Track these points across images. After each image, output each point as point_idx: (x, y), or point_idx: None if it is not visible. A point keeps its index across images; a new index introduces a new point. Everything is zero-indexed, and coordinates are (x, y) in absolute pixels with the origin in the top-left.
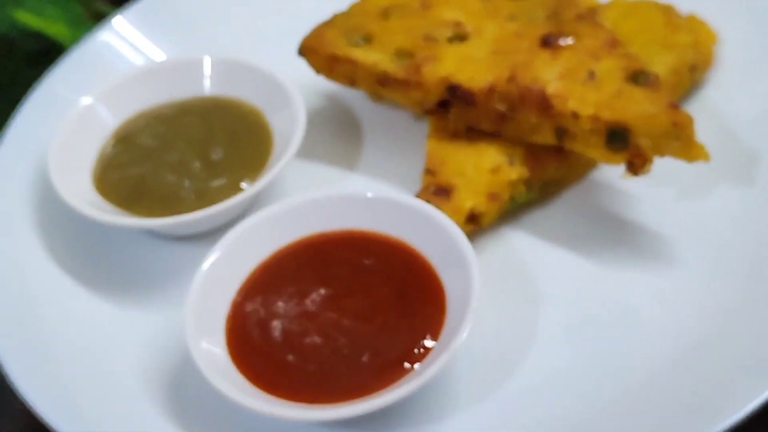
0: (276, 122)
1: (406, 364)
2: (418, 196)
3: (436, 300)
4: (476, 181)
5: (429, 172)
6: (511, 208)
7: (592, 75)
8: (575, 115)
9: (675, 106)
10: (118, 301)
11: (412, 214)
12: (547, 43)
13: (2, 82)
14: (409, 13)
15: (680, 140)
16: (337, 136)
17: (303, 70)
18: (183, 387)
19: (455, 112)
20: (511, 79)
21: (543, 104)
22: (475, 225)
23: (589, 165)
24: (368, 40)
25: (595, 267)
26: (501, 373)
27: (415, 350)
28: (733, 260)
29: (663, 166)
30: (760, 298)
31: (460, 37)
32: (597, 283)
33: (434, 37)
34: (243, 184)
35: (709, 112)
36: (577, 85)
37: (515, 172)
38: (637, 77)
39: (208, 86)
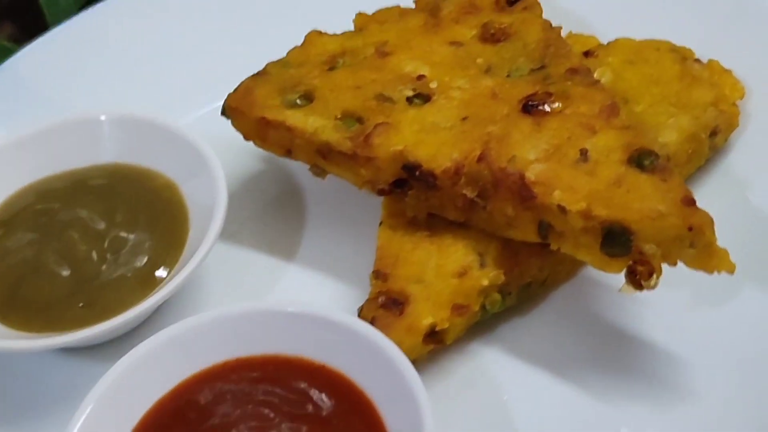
0: (192, 195)
1: None
2: (363, 309)
3: None
4: (438, 290)
5: (379, 275)
6: (484, 320)
7: (584, 155)
8: (562, 210)
9: (690, 201)
10: None
11: (349, 337)
12: (530, 108)
13: None
14: (361, 62)
15: (696, 248)
16: (272, 211)
17: (229, 132)
18: None
19: (413, 196)
20: (483, 157)
21: (522, 193)
22: (436, 343)
23: (579, 263)
24: (309, 98)
25: (588, 396)
26: None
27: None
28: (760, 388)
29: None
30: None
31: (422, 97)
32: (589, 416)
33: (390, 97)
34: (160, 272)
35: (732, 184)
36: (565, 168)
37: (487, 276)
38: (642, 159)
39: (107, 151)
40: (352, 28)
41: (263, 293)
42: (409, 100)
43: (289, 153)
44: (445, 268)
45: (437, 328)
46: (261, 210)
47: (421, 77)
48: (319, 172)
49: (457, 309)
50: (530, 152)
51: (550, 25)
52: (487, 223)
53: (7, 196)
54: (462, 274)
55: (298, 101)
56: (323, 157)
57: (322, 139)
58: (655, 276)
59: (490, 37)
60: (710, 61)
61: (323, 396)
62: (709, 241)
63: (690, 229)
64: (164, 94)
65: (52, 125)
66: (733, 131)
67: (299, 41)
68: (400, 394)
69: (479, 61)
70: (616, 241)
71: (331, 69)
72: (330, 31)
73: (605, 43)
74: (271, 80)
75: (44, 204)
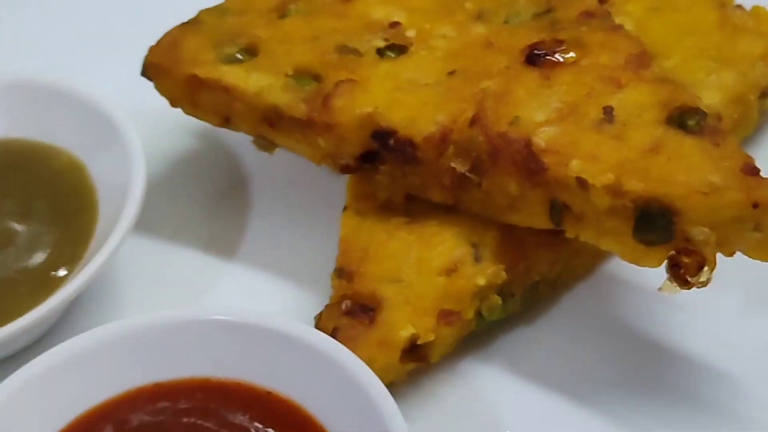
0: (103, 179)
1: None
2: (322, 317)
3: None
4: (420, 292)
5: (342, 274)
6: (479, 330)
7: (609, 114)
8: (583, 184)
9: (753, 170)
10: None
11: (303, 355)
12: (536, 58)
13: None
14: (318, 8)
15: (762, 231)
16: (205, 203)
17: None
18: None
19: (387, 172)
20: (477, 119)
21: (529, 164)
22: (418, 361)
23: (603, 253)
24: (252, 52)
25: (612, 427)
26: None
27: None
28: None
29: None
30: None
31: (396, 48)
32: None
33: (355, 49)
34: (60, 272)
35: None
36: (585, 131)
37: (484, 273)
38: (686, 118)
39: None
40: None
41: (194, 299)
42: (379, 52)
43: (227, 122)
44: (430, 264)
45: (419, 342)
46: (193, 196)
47: (394, 24)
48: (265, 145)
49: (445, 316)
50: (538, 112)
51: None
52: (482, 206)
53: None
54: (451, 271)
55: (239, 55)
56: (270, 125)
57: (269, 101)
58: (706, 269)
59: None
60: (755, 7)
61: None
62: None
63: (755, 206)
64: (68, 53)
65: None
66: None
67: None
68: (371, 429)
69: (468, 5)
70: (655, 225)
71: (281, 17)
72: None
73: None
74: (204, 30)
75: None
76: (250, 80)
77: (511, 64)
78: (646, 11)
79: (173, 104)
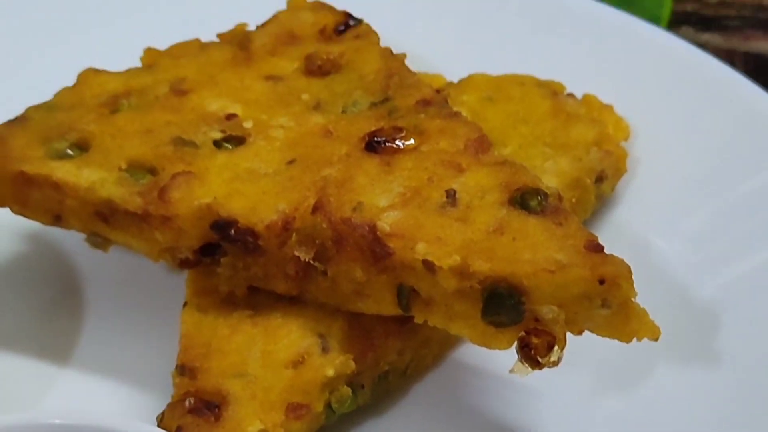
0: None
1: None
2: (164, 416)
3: None
4: (266, 385)
5: (184, 371)
6: (329, 423)
7: (452, 197)
8: (430, 267)
9: (596, 247)
10: None
11: None
12: (376, 145)
13: None
14: (151, 103)
15: (610, 307)
16: (40, 302)
17: None
18: None
19: (228, 265)
20: (320, 206)
21: (375, 249)
22: None
23: (455, 339)
24: (83, 147)
25: None
26: None
27: None
28: None
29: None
30: None
31: (233, 140)
32: None
33: (191, 141)
34: None
35: (624, 241)
36: (429, 215)
37: (332, 363)
38: (528, 199)
39: None
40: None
41: (27, 407)
42: (216, 144)
43: (57, 220)
44: (275, 356)
45: None
46: (22, 300)
47: (231, 116)
48: (99, 242)
49: (294, 410)
50: (381, 197)
51: (391, 52)
52: (328, 295)
53: None
54: (298, 363)
55: (69, 151)
56: (104, 220)
57: (102, 195)
58: (557, 348)
59: (317, 69)
60: (586, 95)
61: None
62: (625, 298)
63: (601, 281)
64: None
65: None
66: (621, 177)
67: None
68: None
69: (305, 96)
70: (503, 306)
71: (113, 112)
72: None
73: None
74: (31, 127)
75: None
76: (81, 175)
77: (351, 152)
78: (481, 101)
79: (0, 204)
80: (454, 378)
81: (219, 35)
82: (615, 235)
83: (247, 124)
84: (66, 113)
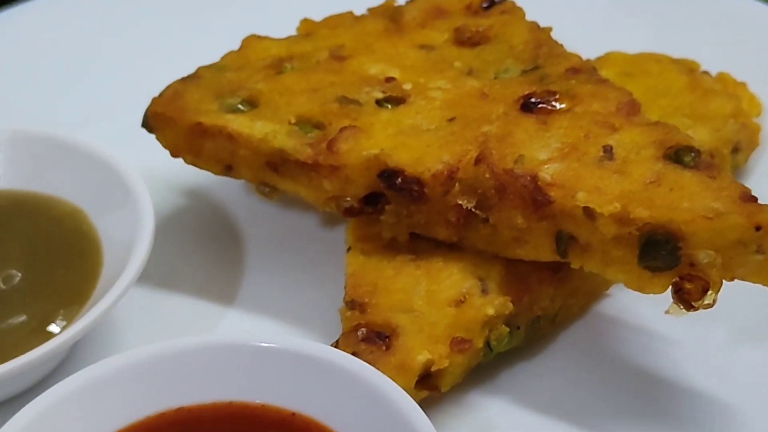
0: (107, 229)
1: None
2: (339, 344)
3: None
4: (432, 321)
5: (353, 305)
6: (485, 362)
7: (609, 152)
8: (590, 214)
9: (751, 197)
10: None
11: (328, 373)
12: (531, 106)
13: None
14: (313, 66)
15: (764, 253)
16: (204, 251)
17: (150, 152)
18: None
19: (392, 212)
20: (482, 158)
21: (536, 197)
22: (430, 390)
23: (598, 291)
24: (252, 103)
25: None
26: None
27: None
28: None
29: None
30: None
31: (394, 100)
32: None
33: (355, 100)
34: (52, 327)
35: None
36: (587, 167)
37: (492, 304)
38: (682, 155)
39: None
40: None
41: None
42: (378, 103)
43: (228, 170)
44: (439, 296)
45: (433, 368)
46: (189, 249)
47: (390, 79)
48: (266, 191)
49: (458, 344)
50: (540, 152)
51: (538, 25)
52: (488, 242)
53: None
54: (460, 302)
55: (241, 106)
56: (274, 170)
57: (275, 146)
58: (711, 292)
59: (467, 40)
60: (720, 73)
61: None
62: None
63: (758, 228)
64: (65, 108)
65: None
66: (755, 150)
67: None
68: None
69: (457, 64)
70: (660, 252)
71: (278, 74)
72: None
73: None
74: (204, 84)
75: None
76: (254, 127)
77: (508, 111)
78: (620, 76)
79: (174, 154)
80: (598, 328)
81: (369, 9)
82: None
83: (407, 86)
84: (235, 73)
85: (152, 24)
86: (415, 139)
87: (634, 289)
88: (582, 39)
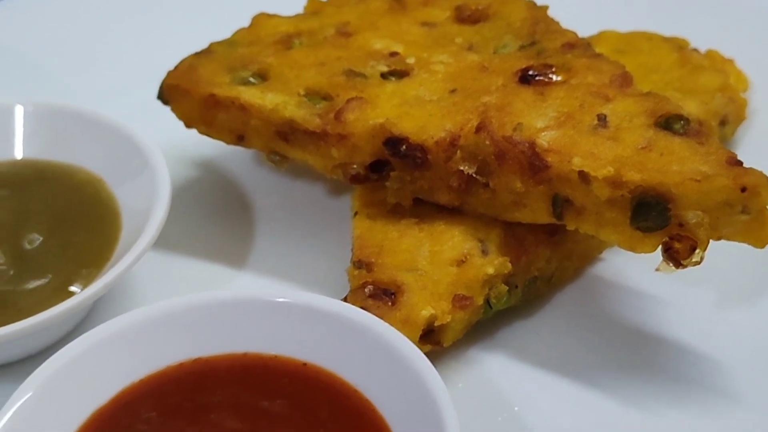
0: (125, 196)
1: None
2: (347, 300)
3: None
4: (435, 279)
5: (360, 265)
6: (485, 319)
7: (603, 120)
8: (585, 177)
9: (737, 161)
10: None
11: (337, 326)
12: (529, 78)
13: None
14: (320, 41)
15: (749, 213)
16: (216, 217)
17: (163, 124)
18: None
19: (397, 178)
20: (483, 126)
21: (534, 162)
22: (433, 345)
23: (591, 254)
24: (263, 76)
25: (609, 404)
26: None
27: None
28: None
29: None
30: None
31: (398, 73)
32: (612, 428)
33: (361, 73)
34: (74, 287)
35: None
36: (582, 134)
37: (492, 263)
38: (672, 123)
39: (22, 146)
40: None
41: None
42: (383, 76)
43: (240, 140)
44: (442, 256)
45: (436, 323)
46: (203, 215)
47: (394, 54)
48: (277, 160)
49: (459, 301)
50: (538, 120)
51: (535, 4)
52: (487, 205)
53: None
54: (462, 262)
55: (252, 79)
56: (284, 139)
57: (285, 116)
58: (698, 251)
59: (467, 18)
60: (709, 50)
61: (314, 407)
62: (764, 205)
63: (743, 189)
64: (87, 82)
65: None
66: (741, 123)
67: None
68: (418, 406)
69: (458, 40)
70: (651, 213)
71: (288, 49)
72: None
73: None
74: (217, 58)
75: None
76: (265, 98)
77: (507, 83)
78: (613, 53)
79: (188, 125)
80: (591, 289)
81: None
82: None
83: (410, 60)
84: (246, 48)
85: (167, 2)
86: (419, 109)
87: (627, 249)
88: (576, 18)
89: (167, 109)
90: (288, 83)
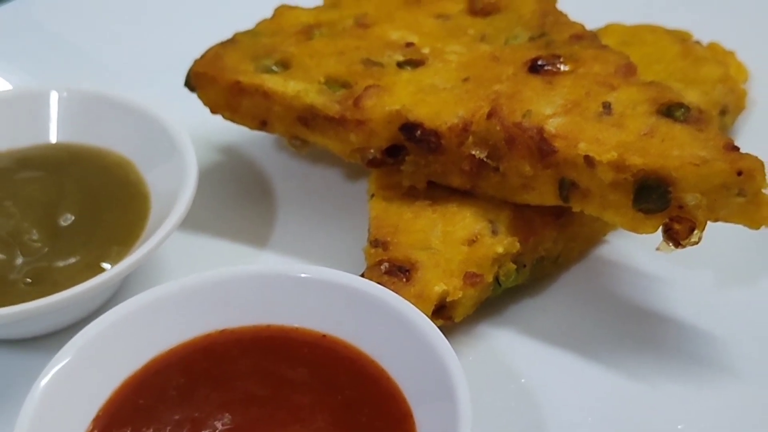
0: (154, 178)
1: None
2: (363, 277)
3: None
4: (448, 257)
5: (377, 244)
6: (494, 296)
7: (608, 108)
8: (590, 161)
9: (733, 147)
10: None
11: (355, 299)
12: (539, 68)
13: None
14: (340, 32)
15: (745, 196)
16: (239, 200)
17: (189, 110)
18: None
19: (412, 162)
20: (494, 113)
21: (542, 147)
22: (444, 319)
23: (596, 237)
24: (285, 65)
25: (611, 377)
26: None
27: None
28: None
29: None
30: None
31: (413, 63)
32: (614, 399)
33: (378, 62)
34: (104, 264)
35: None
36: (588, 121)
37: (501, 243)
38: (673, 110)
39: (56, 130)
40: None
41: None
42: (399, 65)
43: (263, 125)
44: (454, 235)
45: (448, 299)
46: (227, 197)
47: (410, 44)
48: (298, 144)
49: (470, 278)
50: (546, 107)
51: None
52: (497, 188)
53: None
54: (473, 241)
55: (274, 67)
56: (305, 124)
57: (306, 102)
58: (697, 231)
59: (480, 10)
60: (711, 43)
61: (334, 375)
62: (759, 188)
63: (739, 173)
64: (119, 69)
65: None
66: (741, 113)
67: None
68: (427, 369)
69: (471, 31)
70: (652, 195)
71: (309, 39)
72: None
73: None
74: (241, 47)
75: None
76: (287, 85)
77: (517, 73)
78: (618, 44)
79: (214, 111)
80: (596, 269)
81: None
82: None
83: (425, 50)
84: (269, 38)
85: None
86: (433, 97)
87: (629, 230)
88: (584, 11)
89: (194, 95)
90: (309, 71)
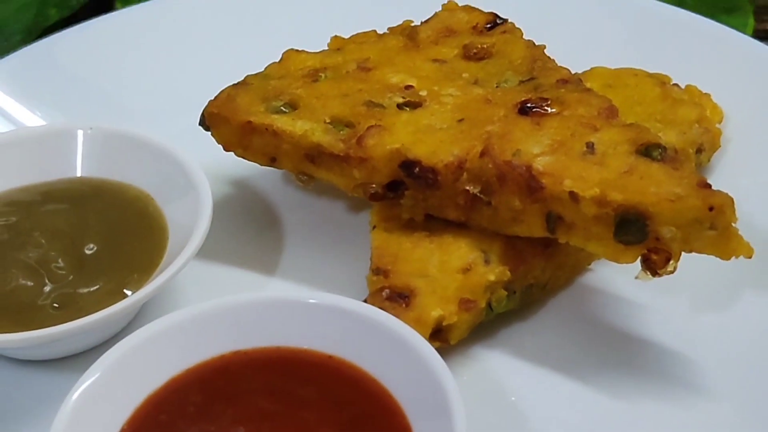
0: (172, 211)
1: None
2: (367, 303)
3: None
4: (444, 284)
5: (378, 272)
6: (487, 320)
7: (591, 147)
8: (574, 197)
9: (706, 185)
10: None
11: (360, 323)
12: (528, 110)
13: None
14: (344, 76)
15: (716, 229)
16: (251, 231)
17: (204, 147)
18: None
19: (411, 197)
20: (486, 152)
21: (530, 184)
22: (441, 342)
23: (581, 265)
24: (293, 106)
25: (600, 394)
26: None
27: None
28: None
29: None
30: None
31: (412, 104)
32: (597, 416)
33: (380, 103)
34: (126, 291)
35: None
36: (573, 160)
37: (493, 272)
38: (651, 151)
39: (81, 165)
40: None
41: None
42: (399, 106)
43: (273, 161)
44: (449, 264)
45: (444, 323)
46: (239, 229)
47: (409, 87)
48: (305, 179)
49: (465, 304)
50: (534, 147)
51: (533, 43)
52: (490, 221)
53: None
54: (467, 270)
55: (283, 108)
56: (312, 161)
57: (312, 141)
58: (672, 261)
59: (473, 55)
60: (688, 85)
61: (340, 394)
62: (728, 222)
63: (711, 209)
64: (138, 109)
65: (20, 135)
66: (716, 152)
67: (274, 60)
68: (425, 387)
69: (465, 75)
70: (631, 228)
71: (314, 81)
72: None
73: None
74: (252, 89)
75: (6, 214)
76: (296, 125)
77: (508, 114)
78: (602, 87)
79: (226, 149)
80: (581, 295)
81: (390, 28)
82: None
83: (423, 93)
84: (278, 81)
85: (206, 39)
86: (430, 136)
87: (610, 260)
88: (571, 55)
89: (208, 134)
90: (315, 112)
